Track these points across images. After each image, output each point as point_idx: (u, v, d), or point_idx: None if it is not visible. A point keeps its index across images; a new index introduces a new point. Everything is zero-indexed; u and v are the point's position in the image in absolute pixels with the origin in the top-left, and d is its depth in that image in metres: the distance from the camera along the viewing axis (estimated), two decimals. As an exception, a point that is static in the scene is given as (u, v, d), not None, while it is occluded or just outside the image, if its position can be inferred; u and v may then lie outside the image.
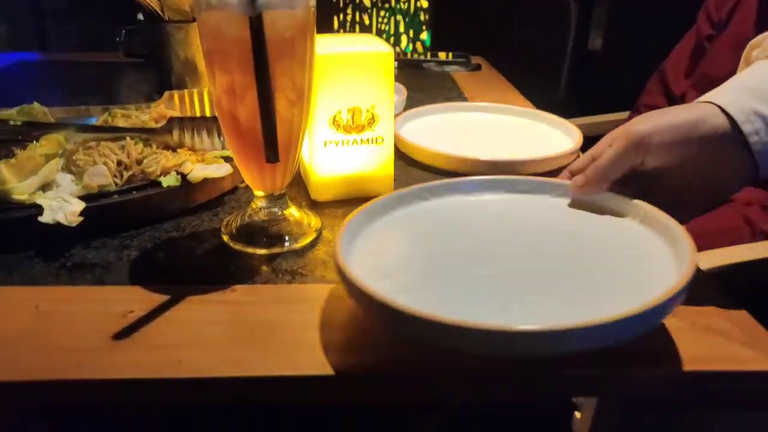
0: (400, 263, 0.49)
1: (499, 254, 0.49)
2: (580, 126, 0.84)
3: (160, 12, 0.80)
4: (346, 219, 0.50)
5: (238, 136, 0.54)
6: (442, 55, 1.37)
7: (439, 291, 0.44)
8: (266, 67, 0.48)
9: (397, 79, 1.04)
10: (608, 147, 0.54)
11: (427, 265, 0.48)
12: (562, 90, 2.52)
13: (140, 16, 0.84)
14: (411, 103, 1.03)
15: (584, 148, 0.79)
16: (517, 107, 0.93)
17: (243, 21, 0.47)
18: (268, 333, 0.44)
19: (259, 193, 0.58)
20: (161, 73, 0.85)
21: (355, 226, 0.51)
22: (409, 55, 1.43)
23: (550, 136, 0.85)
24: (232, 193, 0.68)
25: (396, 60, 1.33)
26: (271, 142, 0.51)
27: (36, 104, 0.66)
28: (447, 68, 1.31)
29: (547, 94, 1.12)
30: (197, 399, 0.42)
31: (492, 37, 2.05)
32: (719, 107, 0.50)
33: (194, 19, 0.79)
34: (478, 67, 1.32)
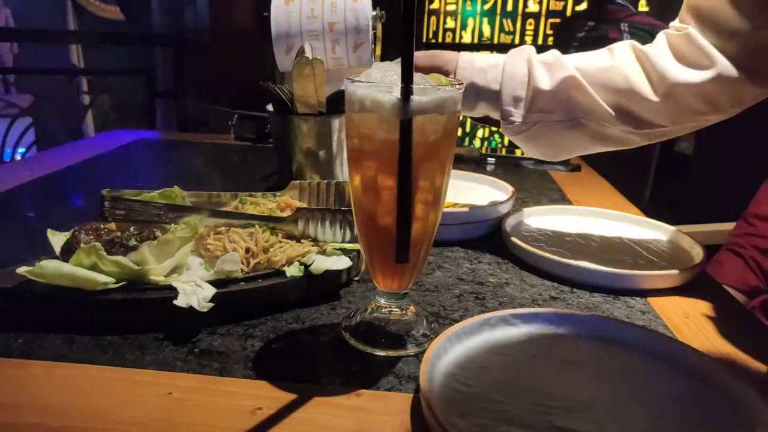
0: (478, 398, 0.47)
1: (579, 406, 0.46)
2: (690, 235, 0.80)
3: (290, 104, 0.84)
4: (432, 343, 0.51)
5: (371, 232, 0.54)
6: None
7: None
8: (409, 169, 0.49)
9: (498, 176, 1.05)
10: None
11: (506, 407, 0.46)
12: (648, 193, 2.47)
13: (270, 107, 0.90)
14: (515, 202, 1.02)
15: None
16: (632, 215, 0.91)
17: (393, 124, 0.48)
18: (400, 448, 0.42)
19: (382, 290, 0.57)
20: (283, 160, 0.88)
21: (442, 346, 0.51)
22: (499, 151, 1.43)
23: (668, 247, 0.81)
24: (347, 286, 0.68)
25: (492, 156, 1.35)
26: (404, 242, 0.51)
27: (176, 188, 0.70)
28: (545, 167, 1.31)
29: (631, 198, 1.09)
30: None
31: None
32: None
33: (320, 113, 0.83)
34: (577, 168, 1.31)
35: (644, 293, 0.69)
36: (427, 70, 0.74)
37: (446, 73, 0.76)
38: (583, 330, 0.57)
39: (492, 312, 0.58)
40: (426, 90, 0.49)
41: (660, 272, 0.70)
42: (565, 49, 2.48)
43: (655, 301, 0.67)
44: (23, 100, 3.83)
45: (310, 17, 0.84)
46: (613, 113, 0.72)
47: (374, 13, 0.87)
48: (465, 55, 0.77)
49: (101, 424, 0.43)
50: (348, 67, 0.89)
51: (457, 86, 0.51)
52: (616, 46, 0.76)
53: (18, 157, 3.23)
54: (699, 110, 0.71)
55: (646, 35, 2.12)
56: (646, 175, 2.50)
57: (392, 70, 0.52)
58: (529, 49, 0.77)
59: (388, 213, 0.52)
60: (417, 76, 0.48)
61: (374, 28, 0.87)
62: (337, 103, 0.83)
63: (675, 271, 0.70)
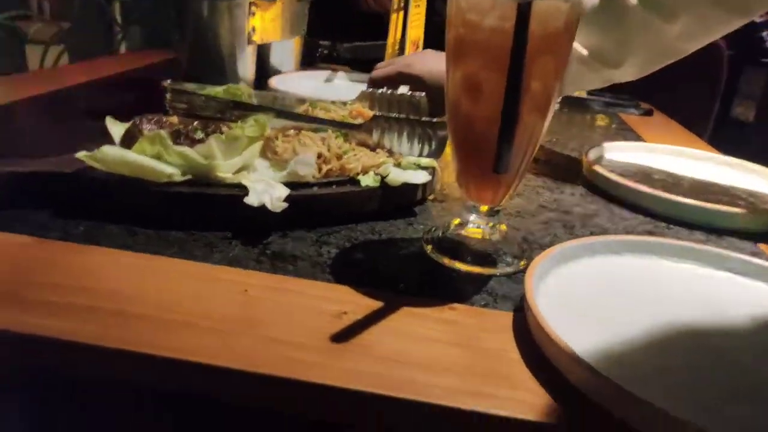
0: (584, 321, 0.42)
1: (695, 346, 0.41)
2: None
3: None
4: (534, 260, 0.46)
5: (467, 138, 0.49)
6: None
7: (635, 364, 0.37)
8: (522, 65, 0.42)
9: (563, 116, 0.97)
10: None
11: (613, 330, 0.41)
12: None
13: None
14: (587, 141, 0.95)
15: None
16: (723, 156, 0.83)
17: (508, 8, 0.41)
18: (508, 366, 0.37)
19: (472, 204, 0.51)
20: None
21: (543, 267, 0.46)
22: None
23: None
24: (421, 204, 0.62)
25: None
26: (505, 150, 0.44)
27: (243, 84, 0.64)
28: (614, 110, 1.22)
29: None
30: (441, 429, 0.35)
31: (629, 83, 1.93)
32: None
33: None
34: (649, 112, 1.22)
35: (752, 237, 0.62)
36: None
37: None
38: (698, 263, 0.51)
39: (594, 237, 0.52)
40: (553, -33, 0.41)
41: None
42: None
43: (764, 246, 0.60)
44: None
45: None
46: None
47: None
48: None
49: (175, 315, 0.39)
50: None
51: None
52: None
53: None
54: None
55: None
56: (701, 137, 2.37)
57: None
58: None
59: (490, 116, 0.45)
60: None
61: None
62: None
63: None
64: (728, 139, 2.46)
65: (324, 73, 1.03)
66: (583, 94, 1.26)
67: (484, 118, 0.46)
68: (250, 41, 0.84)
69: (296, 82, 0.95)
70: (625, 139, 0.99)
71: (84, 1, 3.37)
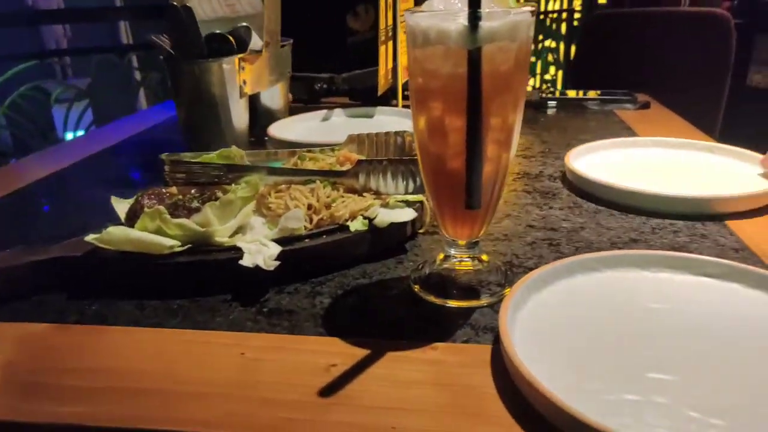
0: (563, 350, 0.44)
1: (678, 355, 0.43)
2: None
3: (171, 51, 0.88)
4: (512, 288, 0.49)
5: (439, 179, 0.52)
6: (592, 93, 1.28)
7: (603, 394, 0.39)
8: (479, 105, 0.45)
9: (560, 119, 0.99)
10: None
11: (591, 355, 0.43)
12: (719, 130, 2.31)
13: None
14: (577, 144, 0.97)
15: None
16: (703, 142, 0.84)
17: (460, 55, 0.44)
18: (482, 402, 0.40)
19: (452, 239, 0.54)
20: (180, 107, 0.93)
21: (521, 295, 0.49)
22: (543, 94, 1.34)
23: (752, 176, 0.75)
24: (413, 239, 0.65)
25: (554, 99, 1.28)
26: (474, 187, 0.47)
27: (234, 148, 0.68)
28: (610, 107, 1.23)
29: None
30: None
31: (635, 71, 1.92)
32: None
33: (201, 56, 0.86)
34: (646, 105, 1.23)
35: (724, 218, 0.64)
36: None
37: None
38: (675, 270, 0.52)
39: (570, 257, 0.54)
40: (495, 14, 0.44)
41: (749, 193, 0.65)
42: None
43: (742, 230, 0.62)
44: (81, 83, 3.95)
45: None
46: None
47: None
48: None
49: (179, 385, 0.43)
50: (243, 12, 0.95)
51: (530, 8, 0.46)
52: None
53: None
54: None
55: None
56: (716, 110, 2.33)
57: (456, -1, 0.48)
58: None
59: (457, 156, 0.48)
60: (484, 1, 0.44)
61: None
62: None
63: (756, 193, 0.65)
64: (750, 108, 2.41)
65: (321, 113, 1.07)
66: (578, 95, 1.27)
67: (451, 158, 0.49)
68: (242, 94, 0.88)
69: (294, 126, 0.99)
70: (618, 136, 1.00)
71: (101, 58, 3.53)
